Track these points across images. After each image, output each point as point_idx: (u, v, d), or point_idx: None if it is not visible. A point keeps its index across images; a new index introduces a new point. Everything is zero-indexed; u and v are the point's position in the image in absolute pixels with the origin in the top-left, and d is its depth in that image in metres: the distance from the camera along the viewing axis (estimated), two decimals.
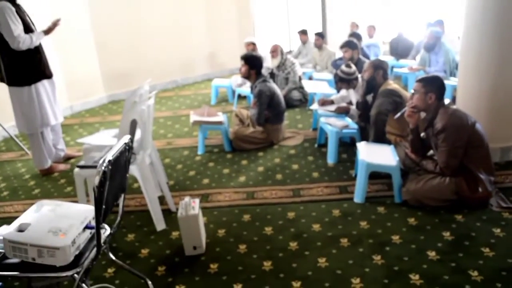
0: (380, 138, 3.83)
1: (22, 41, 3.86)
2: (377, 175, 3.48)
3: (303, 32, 8.23)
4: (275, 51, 6.26)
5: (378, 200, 3.33)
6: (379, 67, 4.03)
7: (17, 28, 3.84)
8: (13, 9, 3.86)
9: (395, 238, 2.81)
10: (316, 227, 3.02)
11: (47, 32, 4.10)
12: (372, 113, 3.87)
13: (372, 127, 3.88)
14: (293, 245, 2.82)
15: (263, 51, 6.55)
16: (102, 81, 7.66)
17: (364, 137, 4.16)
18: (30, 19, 4.15)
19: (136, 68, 7.85)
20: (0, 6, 3.80)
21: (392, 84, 3.99)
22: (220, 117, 4.76)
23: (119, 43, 7.62)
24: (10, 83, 4.10)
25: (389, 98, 3.84)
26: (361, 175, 3.33)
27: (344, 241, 2.82)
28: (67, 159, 4.78)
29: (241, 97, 6.73)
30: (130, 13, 7.71)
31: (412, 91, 3.24)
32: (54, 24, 4.13)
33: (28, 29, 3.99)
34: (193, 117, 4.70)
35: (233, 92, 6.81)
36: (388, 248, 2.71)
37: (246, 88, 6.37)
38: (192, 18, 8.65)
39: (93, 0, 7.23)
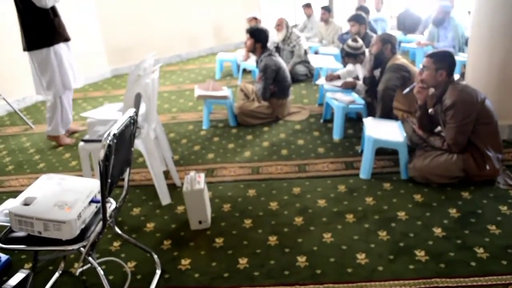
0: (387, 114, 3.79)
1: None
2: (383, 151, 3.45)
3: (307, 5, 8.06)
4: (280, 24, 6.15)
5: (384, 177, 3.31)
6: (387, 41, 3.96)
7: None
8: None
9: (401, 214, 2.80)
10: (321, 202, 3.01)
11: None
12: (379, 88, 3.81)
13: (379, 103, 3.83)
14: (298, 220, 2.82)
15: (268, 25, 6.44)
16: (105, 55, 7.59)
17: (370, 112, 4.11)
18: None
19: (140, 42, 7.75)
20: None
21: (401, 59, 3.92)
22: (225, 91, 4.71)
23: (122, 17, 7.51)
24: (30, 48, 4.15)
25: (397, 73, 3.77)
26: (367, 151, 3.30)
27: (350, 217, 2.81)
28: (71, 133, 4.77)
29: (246, 72, 6.66)
30: None
31: (421, 66, 3.17)
32: None
33: None
34: (198, 91, 4.65)
35: (238, 66, 6.73)
36: (393, 224, 2.70)
37: (251, 62, 6.29)
38: None
39: None
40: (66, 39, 4.30)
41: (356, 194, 3.10)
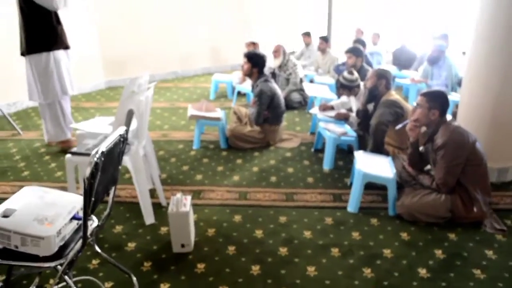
0: (378, 149, 3.79)
1: (58, 0, 4.03)
2: (372, 186, 3.44)
3: (307, 34, 8.17)
4: (277, 51, 6.21)
5: (371, 211, 3.28)
6: (383, 76, 3.99)
7: None
8: None
9: (387, 252, 2.76)
10: (307, 234, 2.97)
11: None
12: (372, 123, 3.82)
13: (371, 137, 3.83)
14: (283, 250, 2.78)
15: (265, 51, 6.49)
16: (101, 66, 7.58)
17: (362, 146, 4.12)
18: None
19: (136, 56, 7.77)
20: None
21: (394, 95, 3.95)
22: (218, 113, 4.70)
23: (121, 30, 7.55)
24: (29, 51, 4.16)
25: (390, 108, 3.79)
26: (356, 184, 3.29)
27: (335, 251, 2.78)
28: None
29: (240, 94, 6.67)
30: (134, 1, 7.61)
31: (415, 104, 3.20)
32: None
33: None
34: (191, 111, 4.64)
35: (233, 88, 6.75)
36: (379, 261, 2.67)
37: (246, 86, 6.30)
38: (196, 11, 8.58)
39: None
40: (66, 47, 4.33)
41: (343, 227, 3.07)
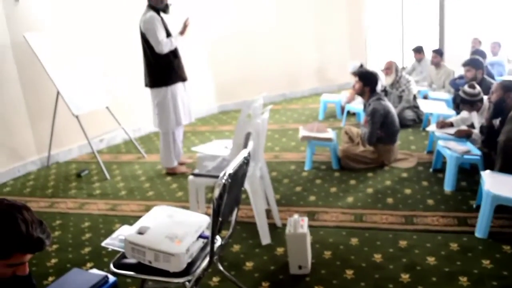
0: (508, 168, 3.45)
1: (165, 44, 4.34)
2: (503, 209, 3.13)
3: (418, 50, 7.82)
4: (389, 68, 6.02)
5: (503, 237, 2.99)
6: (511, 89, 3.67)
7: (161, 34, 4.33)
8: (159, 18, 4.40)
9: None
10: (431, 260, 2.79)
11: (181, 32, 4.55)
12: (500, 139, 3.51)
13: (500, 155, 3.51)
14: (405, 277, 2.63)
15: (376, 68, 6.35)
16: (214, 92, 8.00)
17: (488, 164, 3.79)
18: (170, 30, 4.60)
19: (245, 80, 8.07)
20: (149, 16, 4.35)
21: None
22: (330, 133, 4.67)
23: (230, 56, 7.90)
24: (152, 85, 4.56)
25: None
26: (485, 207, 3.02)
27: (464, 280, 2.56)
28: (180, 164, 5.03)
29: (349, 114, 6.57)
30: (241, 27, 7.95)
31: None
32: (185, 25, 4.56)
33: (168, 35, 4.47)
34: (303, 132, 4.67)
35: (342, 108, 6.68)
36: None
37: (355, 105, 6.21)
38: (301, 32, 8.68)
39: (209, 17, 7.61)
40: (183, 79, 4.62)
41: (471, 254, 2.83)
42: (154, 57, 4.42)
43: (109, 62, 6.10)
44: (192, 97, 4.89)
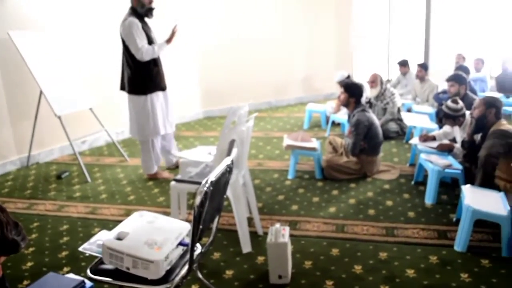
0: (488, 183, 3.50)
1: (145, 51, 4.23)
2: (482, 223, 3.17)
3: (403, 64, 7.92)
4: (374, 81, 6.08)
5: (482, 251, 3.02)
6: (492, 105, 3.72)
7: (141, 40, 4.21)
8: (140, 24, 4.26)
9: None
10: (410, 272, 2.80)
11: (168, 40, 4.43)
12: (481, 154, 3.56)
13: (480, 170, 3.56)
14: None
15: (362, 80, 6.40)
16: (200, 97, 7.98)
17: (468, 179, 3.83)
18: (153, 36, 4.50)
19: (232, 87, 8.08)
20: (129, 21, 4.22)
21: (506, 125, 3.65)
22: (314, 143, 4.68)
23: (218, 62, 7.91)
24: (129, 92, 4.47)
25: (501, 140, 3.51)
26: (465, 221, 3.05)
27: None
28: (176, 167, 4.99)
29: (334, 124, 6.61)
30: (230, 34, 7.99)
31: None
32: (173, 32, 4.43)
33: (150, 42, 4.36)
34: (287, 140, 4.67)
35: (327, 118, 6.71)
36: None
37: (341, 115, 6.25)
38: (289, 41, 8.75)
39: (197, 22, 7.60)
40: (162, 88, 4.51)
41: (450, 267, 2.85)
42: (134, 64, 4.33)
43: (93, 63, 6.04)
44: (176, 102, 4.85)
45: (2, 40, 4.99)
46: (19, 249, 1.36)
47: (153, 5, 4.35)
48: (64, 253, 3.24)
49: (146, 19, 4.39)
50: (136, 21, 4.24)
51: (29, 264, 3.11)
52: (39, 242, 3.44)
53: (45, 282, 2.24)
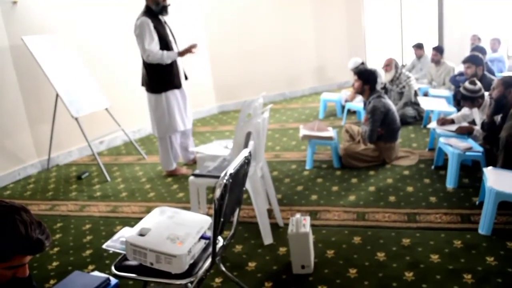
0: (511, 164, 3.44)
1: (152, 55, 4.21)
2: (506, 205, 3.11)
3: (419, 47, 7.81)
4: (389, 64, 6.00)
5: (507, 234, 2.96)
6: (511, 85, 3.64)
7: (150, 42, 4.17)
8: (151, 24, 4.21)
9: None
10: (434, 257, 2.77)
11: (181, 54, 4.40)
12: (502, 136, 3.49)
13: (502, 151, 3.49)
14: (409, 275, 2.61)
15: (376, 66, 6.33)
16: (214, 92, 7.99)
17: (490, 161, 3.77)
18: (174, 38, 4.50)
19: (245, 80, 8.07)
20: (140, 21, 4.20)
21: None
22: (331, 132, 4.65)
23: (230, 57, 7.90)
24: (146, 90, 4.52)
25: None
26: (488, 204, 3.00)
27: (468, 277, 2.54)
28: (194, 162, 5.02)
29: (350, 112, 6.56)
30: (242, 28, 7.97)
31: None
32: (189, 49, 4.38)
33: (166, 45, 4.32)
34: (303, 131, 4.65)
35: (342, 106, 6.66)
36: None
37: (356, 103, 6.19)
38: (301, 32, 8.69)
39: (209, 18, 7.60)
40: (177, 86, 4.50)
41: (475, 251, 2.81)
42: (148, 63, 4.35)
43: (108, 64, 6.08)
44: (191, 99, 4.85)
45: (17, 46, 5.06)
46: (44, 248, 1.38)
47: (168, 1, 4.33)
48: (88, 252, 3.29)
49: (161, 16, 4.37)
50: (148, 21, 4.21)
51: (54, 264, 3.16)
52: (63, 242, 3.49)
53: (71, 281, 2.28)
